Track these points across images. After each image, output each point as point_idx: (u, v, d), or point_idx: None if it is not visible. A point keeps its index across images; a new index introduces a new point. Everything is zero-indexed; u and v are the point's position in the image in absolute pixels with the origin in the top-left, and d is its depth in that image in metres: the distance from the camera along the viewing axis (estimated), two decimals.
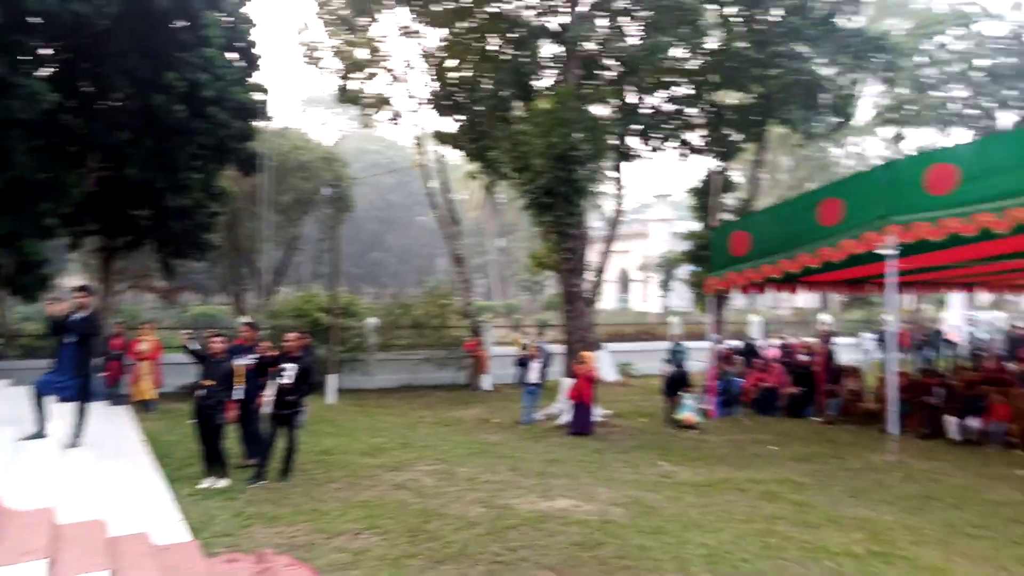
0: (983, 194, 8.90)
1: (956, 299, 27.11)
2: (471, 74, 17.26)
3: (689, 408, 13.41)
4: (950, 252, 11.36)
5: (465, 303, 21.49)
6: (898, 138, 33.11)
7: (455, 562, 5.99)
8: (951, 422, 11.86)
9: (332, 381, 16.37)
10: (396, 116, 19.54)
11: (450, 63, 17.45)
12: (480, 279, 56.19)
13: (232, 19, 17.45)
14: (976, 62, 28.79)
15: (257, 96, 18.34)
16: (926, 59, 29.37)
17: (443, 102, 17.92)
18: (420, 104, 18.92)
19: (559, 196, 14.09)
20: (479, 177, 20.23)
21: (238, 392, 8.89)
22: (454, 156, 23.21)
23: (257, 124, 19.30)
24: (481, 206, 50.09)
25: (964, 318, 26.89)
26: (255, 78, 18.34)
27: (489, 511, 7.41)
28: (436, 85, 17.87)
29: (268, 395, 8.86)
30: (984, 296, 28.65)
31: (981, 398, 11.94)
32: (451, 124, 18.59)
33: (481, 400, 16.88)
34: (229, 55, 17.25)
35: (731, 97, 19.20)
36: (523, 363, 14.35)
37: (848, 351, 20.87)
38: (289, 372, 8.63)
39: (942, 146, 27.29)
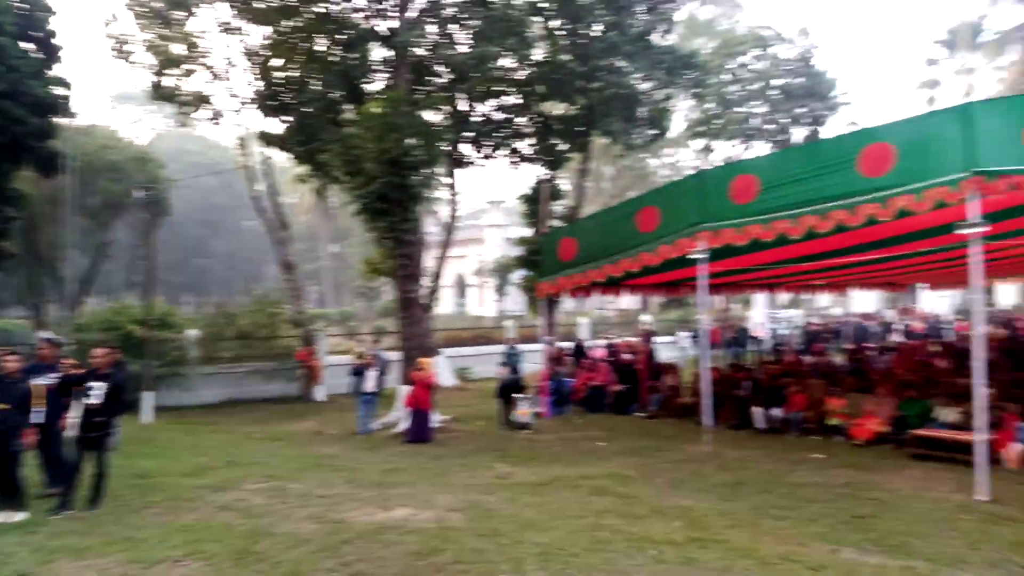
0: (780, 202, 9.78)
1: (760, 299, 29.68)
2: (298, 74, 16.72)
3: (524, 406, 13.71)
4: (753, 256, 12.41)
5: (296, 311, 20.76)
6: (707, 150, 35.85)
7: None
8: (757, 412, 12.93)
9: (148, 399, 15.25)
10: (217, 115, 18.55)
11: (275, 62, 16.82)
12: (313, 286, 54.47)
13: (27, 5, 15.83)
14: (773, 81, 31.74)
15: (58, 90, 16.76)
16: (730, 77, 32.01)
17: (269, 102, 17.23)
18: (243, 104, 18.10)
19: (393, 202, 13.98)
20: (309, 181, 19.64)
21: (37, 415, 8.07)
22: (282, 158, 22.38)
23: (59, 121, 17.62)
24: (312, 210, 48.64)
25: (767, 316, 29.51)
26: (56, 71, 16.75)
27: (323, 526, 7.20)
28: (261, 84, 17.15)
29: (73, 417, 8.11)
30: (783, 295, 31.58)
31: (782, 389, 13.13)
32: (278, 125, 17.92)
33: (315, 412, 16.38)
34: (24, 45, 15.65)
35: (557, 108, 19.93)
36: (359, 372, 14.07)
37: (667, 349, 22.24)
38: (97, 391, 7.94)
39: (745, 158, 29.91)
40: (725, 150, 35.10)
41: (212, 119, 18.65)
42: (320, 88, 16.38)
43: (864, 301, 36.20)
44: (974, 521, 7.24)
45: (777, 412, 12.71)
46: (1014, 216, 10.18)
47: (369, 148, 13.67)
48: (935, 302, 31.26)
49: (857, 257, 13.58)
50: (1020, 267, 19.28)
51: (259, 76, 17.04)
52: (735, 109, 31.84)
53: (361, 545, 6.60)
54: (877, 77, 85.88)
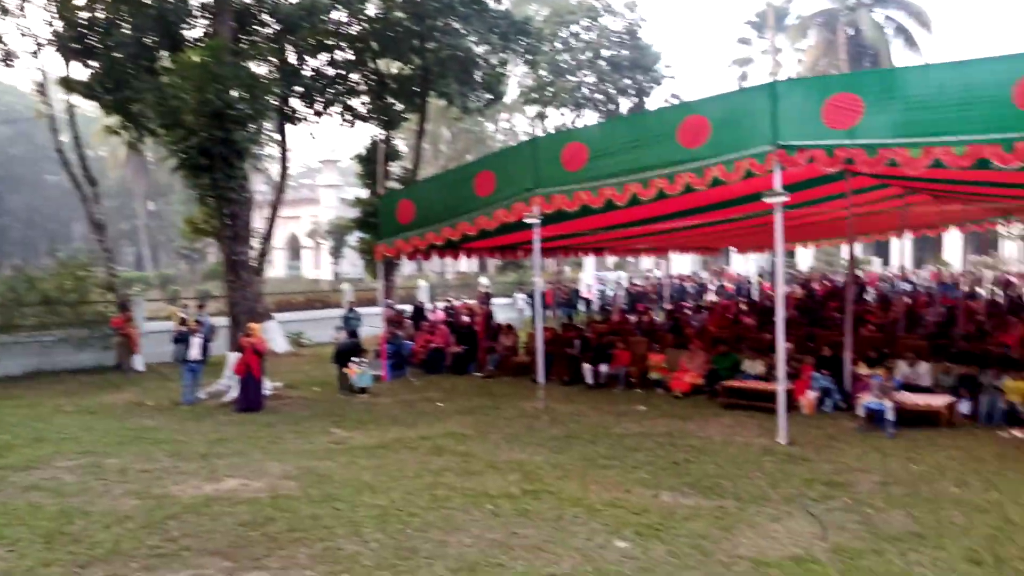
0: (607, 170, 10.19)
1: (589, 262, 31.00)
2: (105, 16, 15.23)
3: (362, 370, 13.53)
4: (584, 221, 12.92)
5: (109, 274, 19.17)
6: (541, 116, 36.58)
7: (105, 563, 5.43)
8: (587, 369, 13.58)
9: None
10: (9, 56, 16.56)
11: (78, 1, 15.20)
12: (128, 247, 50.62)
13: None
14: (602, 52, 32.74)
15: None
16: (561, 45, 32.69)
17: (72, 45, 15.59)
18: (41, 45, 16.27)
19: (216, 157, 13.19)
20: (121, 132, 18.05)
21: None
22: (90, 107, 20.40)
23: None
24: (126, 164, 44.87)
25: (596, 278, 30.92)
26: None
27: (145, 502, 6.82)
28: (61, 24, 15.46)
29: None
30: (611, 258, 33.12)
31: (609, 347, 13.86)
32: (83, 70, 16.26)
33: (133, 382, 15.29)
34: None
35: (393, 67, 19.55)
36: (182, 339, 13.26)
37: (504, 310, 22.78)
38: None
39: (576, 126, 30.85)
40: (558, 117, 35.97)
41: (3, 60, 16.63)
42: (131, 32, 15.02)
43: (682, 263, 38.78)
44: (775, 462, 8.06)
45: (605, 368, 13.39)
46: (811, 187, 11.28)
47: (188, 99, 12.77)
48: (744, 264, 33.98)
49: (677, 223, 14.50)
50: (816, 233, 21.44)
51: (59, 15, 15.34)
52: (567, 77, 32.58)
53: (187, 519, 6.32)
54: (696, 53, 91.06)
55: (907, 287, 23.48)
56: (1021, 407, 9.53)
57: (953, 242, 34.52)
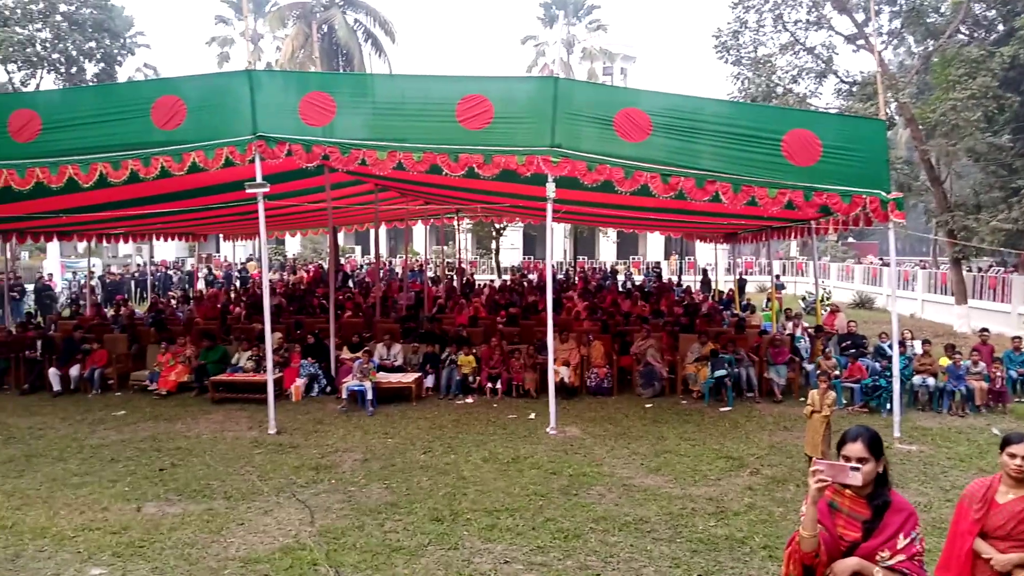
0: (68, 145, 8.94)
1: (54, 247, 26.89)
2: None
3: None
4: (43, 201, 11.15)
5: None
6: None
7: None
8: (52, 374, 11.79)
9: None
10: None
11: None
12: None
13: None
14: (60, 6, 28.18)
15: None
16: None
17: None
18: None
19: None
20: None
21: None
22: None
23: None
24: None
25: (63, 266, 26.99)
26: None
27: None
28: None
29: None
30: (81, 244, 29.18)
31: (81, 345, 12.25)
32: None
33: None
34: None
35: None
36: None
37: None
38: None
39: (29, 89, 26.33)
40: (3, 75, 29.84)
41: None
42: None
43: (167, 250, 36.25)
44: (265, 453, 8.13)
45: (75, 371, 11.85)
46: (294, 178, 11.62)
47: None
48: (233, 251, 33.23)
49: (157, 207, 13.48)
50: (301, 222, 22.23)
51: None
52: (16, 29, 27.17)
53: None
54: (175, 23, 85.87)
55: (382, 275, 25.80)
56: (471, 377, 11.35)
57: (419, 233, 38.78)
